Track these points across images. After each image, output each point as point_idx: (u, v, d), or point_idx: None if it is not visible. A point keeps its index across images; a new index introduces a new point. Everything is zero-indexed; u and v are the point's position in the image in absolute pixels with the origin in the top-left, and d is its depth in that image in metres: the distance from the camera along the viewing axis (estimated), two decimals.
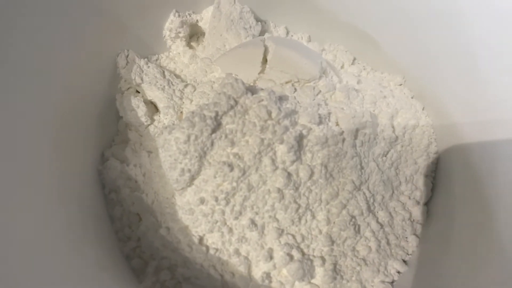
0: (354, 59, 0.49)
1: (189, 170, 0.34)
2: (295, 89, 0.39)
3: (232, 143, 0.34)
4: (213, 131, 0.33)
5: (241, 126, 0.34)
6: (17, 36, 0.29)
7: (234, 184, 0.34)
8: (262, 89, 0.35)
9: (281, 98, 0.36)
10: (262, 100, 0.34)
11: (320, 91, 0.39)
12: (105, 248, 0.35)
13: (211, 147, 0.34)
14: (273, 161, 0.34)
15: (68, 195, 0.33)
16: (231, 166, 0.33)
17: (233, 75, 0.35)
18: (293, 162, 0.34)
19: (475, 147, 0.38)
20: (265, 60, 0.40)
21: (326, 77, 0.40)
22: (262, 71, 0.40)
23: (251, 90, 0.36)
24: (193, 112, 0.33)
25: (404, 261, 0.38)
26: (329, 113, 0.37)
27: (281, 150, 0.34)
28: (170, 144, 0.33)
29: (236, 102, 0.34)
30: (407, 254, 0.39)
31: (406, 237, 0.39)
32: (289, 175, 0.34)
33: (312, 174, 0.35)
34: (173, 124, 0.39)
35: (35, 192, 0.29)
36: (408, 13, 0.43)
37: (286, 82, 0.40)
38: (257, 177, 0.34)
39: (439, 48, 0.41)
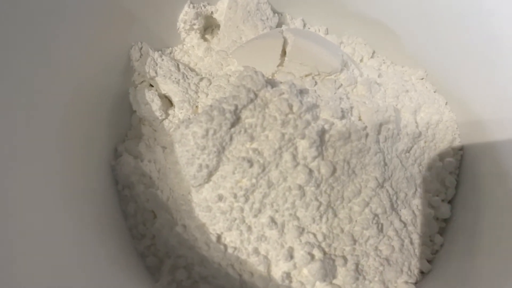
0: (374, 52, 0.47)
1: (207, 166, 0.32)
2: (316, 82, 0.38)
3: (252, 138, 0.33)
4: (232, 125, 0.32)
5: (261, 120, 0.32)
6: (29, 30, 0.28)
7: (254, 180, 0.33)
8: (282, 82, 0.34)
9: (302, 92, 0.35)
10: (283, 93, 0.33)
11: (341, 84, 0.38)
12: (119, 246, 0.35)
13: (230, 142, 0.32)
14: (294, 156, 0.33)
15: (80, 191, 0.33)
16: (250, 162, 0.32)
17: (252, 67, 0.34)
18: (314, 158, 0.33)
19: (502, 143, 0.37)
20: (284, 53, 0.39)
21: (347, 70, 0.39)
22: (281, 64, 0.39)
23: (271, 83, 0.34)
24: (211, 106, 0.32)
25: (428, 261, 0.37)
26: (351, 107, 0.36)
27: (302, 145, 0.33)
28: (187, 138, 0.32)
29: (256, 95, 0.33)
30: (431, 253, 0.37)
31: (430, 236, 0.38)
32: (310, 171, 0.33)
33: (334, 170, 0.34)
34: (189, 118, 0.38)
35: (46, 188, 0.28)
36: (430, 4, 0.41)
37: (306, 75, 0.38)
38: (277, 174, 0.33)
39: (462, 41, 0.40)
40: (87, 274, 0.29)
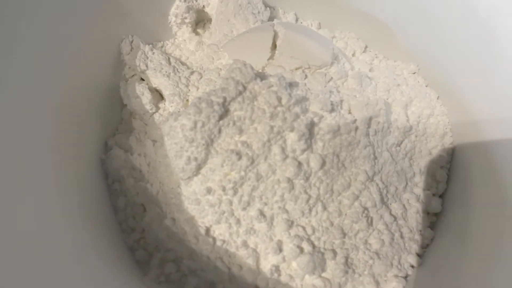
0: (366, 47, 0.47)
1: (196, 159, 0.32)
2: (306, 76, 0.38)
3: (240, 131, 0.33)
4: (221, 117, 0.32)
5: (250, 113, 0.32)
6: (18, 22, 0.28)
7: (242, 173, 0.32)
8: (271, 75, 0.34)
9: (292, 85, 0.35)
10: (272, 85, 0.32)
11: (331, 78, 0.38)
12: (108, 240, 0.34)
13: (218, 134, 0.32)
14: (283, 149, 0.33)
15: (70, 185, 0.33)
16: (239, 155, 0.32)
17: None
18: (303, 151, 0.33)
19: (493, 137, 0.37)
20: (274, 46, 0.39)
21: (338, 64, 0.39)
22: (271, 57, 0.39)
23: (260, 76, 0.34)
24: (199, 98, 0.32)
25: (418, 255, 0.37)
26: (341, 101, 0.36)
27: (291, 138, 0.33)
28: (176, 131, 0.32)
29: (245, 88, 0.32)
30: (422, 247, 0.37)
31: (420, 230, 0.38)
32: (299, 164, 0.33)
33: (323, 163, 0.34)
34: (179, 111, 0.38)
35: (34, 182, 0.28)
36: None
37: (296, 69, 0.38)
38: (266, 166, 0.33)
39: (455, 35, 0.40)
40: (75, 268, 0.29)
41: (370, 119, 0.36)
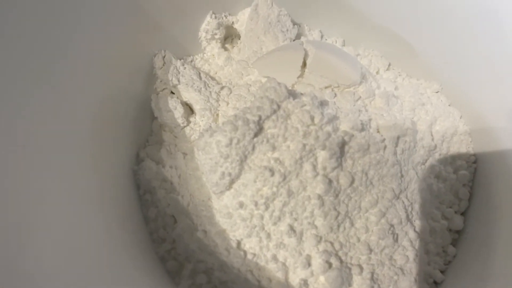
0: (389, 64, 0.48)
1: (230, 174, 0.33)
2: (335, 95, 0.39)
3: (273, 148, 0.34)
4: (255, 135, 0.33)
5: (283, 130, 0.33)
6: (55, 36, 0.29)
7: (274, 189, 0.33)
8: (303, 94, 0.35)
9: (322, 103, 0.36)
10: (305, 105, 0.34)
11: (360, 97, 0.39)
12: (139, 249, 0.35)
13: (252, 151, 0.33)
14: (314, 167, 0.34)
15: (104, 195, 0.34)
16: (271, 171, 0.33)
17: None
18: (334, 168, 0.34)
19: None
20: (304, 64, 0.40)
21: (366, 83, 0.40)
22: (301, 76, 0.40)
23: (292, 94, 0.35)
24: (235, 115, 0.33)
25: (441, 271, 0.38)
26: (370, 120, 0.37)
27: (322, 156, 0.34)
28: (211, 147, 0.33)
29: (279, 107, 0.34)
30: (444, 264, 0.38)
31: (443, 247, 0.39)
32: (329, 181, 0.34)
33: (352, 181, 0.35)
34: (211, 126, 0.39)
35: (72, 189, 0.30)
36: (446, 18, 0.42)
37: (326, 87, 0.39)
38: (297, 183, 0.34)
39: (478, 55, 0.41)
40: (109, 275, 0.30)
41: (398, 138, 0.37)
